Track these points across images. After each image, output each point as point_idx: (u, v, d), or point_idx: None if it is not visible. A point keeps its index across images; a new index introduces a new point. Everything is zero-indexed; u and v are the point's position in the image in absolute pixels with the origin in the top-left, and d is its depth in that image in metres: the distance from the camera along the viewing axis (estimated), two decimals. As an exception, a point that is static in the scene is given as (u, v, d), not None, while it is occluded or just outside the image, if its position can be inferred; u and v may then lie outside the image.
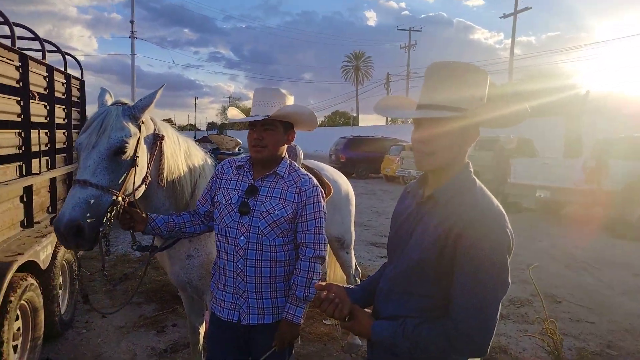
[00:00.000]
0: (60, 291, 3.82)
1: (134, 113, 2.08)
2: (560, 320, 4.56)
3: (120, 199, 1.99)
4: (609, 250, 7.82)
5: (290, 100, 2.11)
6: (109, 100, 2.19)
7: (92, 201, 1.89)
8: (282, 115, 2.01)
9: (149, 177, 2.18)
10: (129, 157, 2.03)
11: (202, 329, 2.94)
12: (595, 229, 9.29)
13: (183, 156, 2.43)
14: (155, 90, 2.15)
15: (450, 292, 1.35)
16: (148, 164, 2.17)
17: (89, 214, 1.88)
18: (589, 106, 13.26)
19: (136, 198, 2.14)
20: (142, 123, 2.12)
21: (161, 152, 2.24)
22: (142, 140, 2.10)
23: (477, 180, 1.45)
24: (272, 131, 2.02)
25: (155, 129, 2.24)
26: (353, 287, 1.73)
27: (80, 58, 5.70)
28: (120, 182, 1.99)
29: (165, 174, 2.28)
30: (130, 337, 3.92)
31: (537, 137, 15.21)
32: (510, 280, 1.32)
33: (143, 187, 2.17)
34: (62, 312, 3.80)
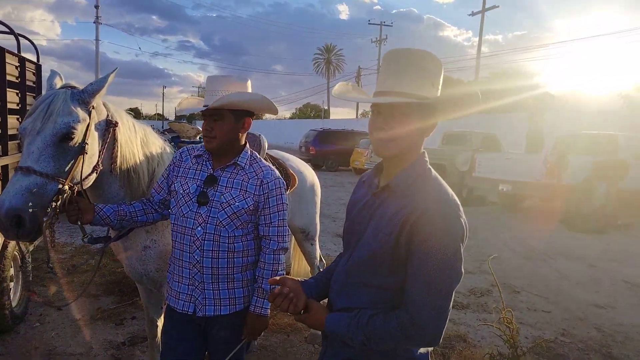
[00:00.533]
0: (11, 283, 3.66)
1: (83, 97, 1.98)
2: (518, 310, 4.71)
3: (66, 187, 1.89)
4: (566, 242, 8.11)
5: (243, 87, 2.02)
6: (59, 83, 2.08)
7: (35, 189, 1.79)
8: (225, 104, 1.91)
9: (100, 166, 2.08)
10: (77, 144, 1.93)
11: (160, 322, 2.87)
12: (554, 222, 9.63)
13: (139, 144, 2.33)
14: (107, 74, 2.05)
15: (404, 283, 1.35)
16: (100, 151, 2.07)
17: (31, 203, 1.78)
18: (552, 104, 13.68)
19: (85, 187, 2.05)
20: (93, 108, 2.01)
21: (114, 139, 2.15)
22: (92, 127, 2.00)
23: (433, 170, 1.45)
24: (220, 121, 1.94)
25: (108, 115, 2.13)
26: (308, 280, 1.71)
27: (43, 43, 5.54)
28: (66, 170, 1.89)
29: (118, 162, 2.18)
30: (87, 330, 3.79)
31: (502, 133, 15.58)
32: (463, 270, 1.33)
33: (94, 176, 2.07)
34: (13, 305, 3.64)
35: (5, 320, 3.47)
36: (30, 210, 1.78)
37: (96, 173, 2.07)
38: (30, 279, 4.09)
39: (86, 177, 2.00)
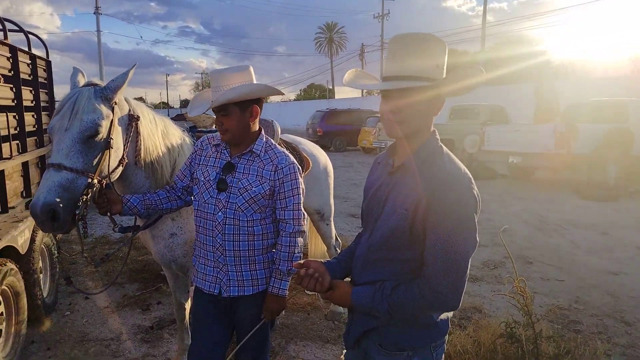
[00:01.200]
0: (41, 275, 3.81)
1: (106, 94, 2.06)
2: (531, 280, 4.79)
3: (95, 181, 1.99)
4: (578, 212, 8.14)
5: (245, 76, 2.04)
6: (82, 80, 2.16)
7: (66, 185, 1.90)
8: (223, 101, 1.95)
9: (125, 159, 2.17)
10: (103, 139, 2.02)
11: (187, 305, 3.00)
12: (565, 192, 9.64)
13: (160, 136, 2.42)
14: (127, 70, 2.12)
15: (423, 255, 1.43)
16: (124, 145, 2.16)
17: (64, 198, 1.88)
18: (558, 72, 13.53)
19: (112, 180, 2.14)
20: (116, 104, 2.10)
21: (137, 132, 2.23)
22: (116, 122, 2.09)
23: (444, 147, 1.52)
24: (228, 116, 2.00)
25: (130, 110, 2.22)
26: (330, 260, 1.81)
27: (43, 37, 5.54)
28: (94, 164, 1.99)
29: (142, 154, 2.27)
30: (115, 317, 3.96)
31: (509, 104, 15.47)
32: (478, 239, 1.42)
33: (120, 169, 2.17)
34: (44, 296, 3.80)
35: (38, 310, 3.63)
36: (63, 204, 1.89)
37: (122, 166, 2.16)
38: (57, 270, 4.25)
39: (113, 170, 2.10)
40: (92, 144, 1.99)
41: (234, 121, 2.01)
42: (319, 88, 75.07)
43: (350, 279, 1.70)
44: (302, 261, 1.68)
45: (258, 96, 2.08)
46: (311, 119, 22.08)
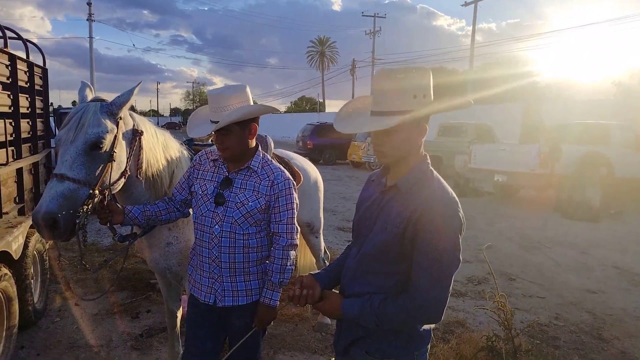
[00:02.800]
0: (32, 281, 3.85)
1: (112, 109, 2.16)
2: (513, 296, 4.93)
3: (96, 192, 2.06)
4: (559, 230, 8.35)
5: (243, 96, 2.13)
6: (89, 95, 2.25)
7: (68, 194, 1.97)
8: (225, 123, 2.03)
9: (128, 171, 2.26)
10: (106, 152, 2.10)
11: (179, 313, 3.07)
12: (548, 211, 9.86)
13: (161, 149, 2.52)
14: (132, 87, 2.22)
15: (410, 271, 1.55)
16: (127, 158, 2.25)
17: (65, 207, 1.95)
18: (544, 93, 13.89)
19: (114, 192, 2.22)
20: (121, 119, 2.19)
21: (140, 147, 2.33)
22: (120, 136, 2.18)
23: (434, 172, 1.65)
24: (228, 135, 2.08)
25: (134, 125, 2.32)
26: (320, 272, 1.91)
27: (34, 40, 5.55)
28: (96, 176, 2.07)
29: (144, 167, 2.37)
30: (105, 324, 3.99)
31: (496, 123, 15.79)
32: (461, 258, 1.54)
33: (122, 181, 2.25)
34: (35, 301, 3.83)
35: (29, 315, 3.66)
36: (64, 213, 1.96)
37: (124, 178, 2.25)
38: (48, 276, 4.28)
39: (115, 182, 2.18)
40: (95, 157, 2.07)
41: (235, 139, 2.10)
42: (310, 101, 75.49)
43: (338, 290, 1.80)
44: (293, 279, 1.79)
45: (258, 115, 2.19)
46: (301, 131, 22.22)
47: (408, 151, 1.61)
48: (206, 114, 2.31)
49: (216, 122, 2.06)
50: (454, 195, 1.58)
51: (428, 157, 1.67)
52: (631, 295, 5.19)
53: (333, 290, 1.79)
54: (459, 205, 1.56)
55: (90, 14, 30.50)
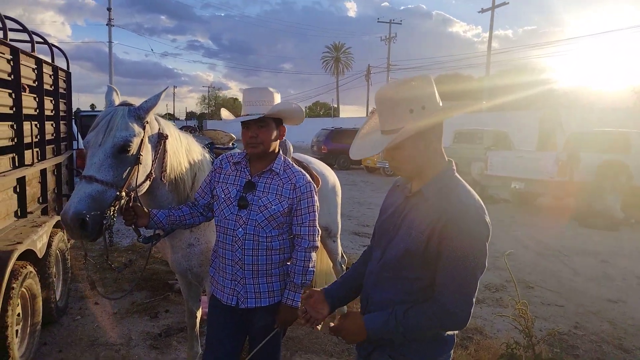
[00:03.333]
0: (55, 279, 3.92)
1: (139, 114, 2.21)
2: (532, 304, 4.86)
3: (123, 194, 2.11)
4: (578, 239, 8.23)
5: (277, 98, 2.25)
6: (116, 99, 2.31)
7: (96, 196, 2.02)
8: (274, 112, 2.16)
9: (153, 174, 2.31)
10: (133, 155, 2.15)
11: (198, 313, 3.10)
12: (566, 219, 9.72)
13: (184, 153, 2.56)
14: (159, 92, 2.27)
15: (436, 277, 1.54)
16: (152, 161, 2.29)
17: (93, 208, 2.00)
18: (561, 101, 13.74)
19: (140, 194, 2.27)
20: (147, 123, 2.24)
21: (164, 150, 2.37)
22: (146, 140, 2.23)
23: (460, 179, 1.64)
24: (266, 129, 2.15)
25: (159, 129, 2.37)
26: (332, 285, 1.94)
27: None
28: (124, 178, 2.11)
29: (168, 170, 2.42)
30: (124, 323, 4.05)
31: (513, 130, 15.66)
32: (486, 264, 1.53)
33: (147, 183, 2.30)
34: (57, 299, 3.91)
35: (51, 313, 3.73)
36: (92, 214, 2.00)
37: (149, 181, 2.29)
38: (70, 275, 4.36)
39: (140, 185, 2.23)
40: (123, 159, 2.12)
41: (270, 134, 2.17)
42: (324, 106, 75.75)
43: (360, 296, 1.80)
44: (304, 293, 1.80)
45: (296, 118, 2.26)
46: (316, 136, 22.32)
47: (424, 161, 1.60)
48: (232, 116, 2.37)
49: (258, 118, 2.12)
50: (480, 201, 1.58)
51: (453, 163, 1.66)
52: (653, 306, 5.09)
53: (354, 312, 1.75)
54: (485, 211, 1.55)
55: (110, 19, 31.02)
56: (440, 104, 1.58)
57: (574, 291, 5.48)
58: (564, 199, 10.46)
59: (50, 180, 4.69)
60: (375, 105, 1.61)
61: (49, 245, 3.71)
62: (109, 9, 31.52)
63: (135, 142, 2.15)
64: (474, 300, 1.52)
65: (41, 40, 5.16)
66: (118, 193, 2.08)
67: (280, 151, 2.32)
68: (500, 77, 33.15)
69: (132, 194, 2.20)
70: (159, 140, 2.34)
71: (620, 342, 4.14)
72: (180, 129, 2.77)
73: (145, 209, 2.27)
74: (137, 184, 2.20)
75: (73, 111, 6.51)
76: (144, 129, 2.22)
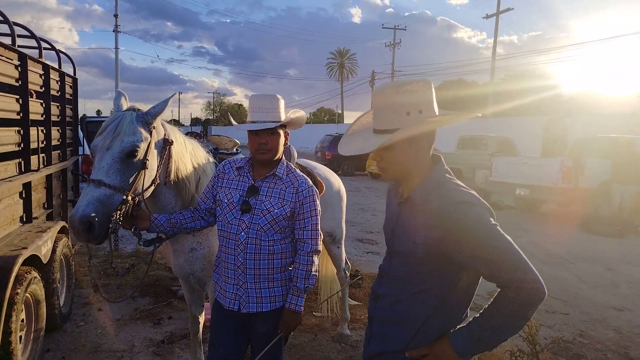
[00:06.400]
0: (59, 285, 3.93)
1: (146, 119, 2.24)
2: (537, 312, 4.80)
3: (129, 198, 2.13)
4: (584, 246, 8.17)
5: (282, 104, 2.26)
6: (124, 104, 2.34)
7: (104, 199, 2.05)
8: (289, 121, 2.23)
9: (158, 179, 2.33)
10: (140, 160, 2.18)
11: (201, 319, 3.10)
12: (571, 226, 9.66)
13: (189, 158, 2.59)
14: (167, 98, 2.30)
15: (486, 277, 1.49)
16: (158, 166, 2.32)
17: (100, 211, 2.03)
18: (565, 107, 13.70)
19: (145, 198, 2.29)
20: (154, 128, 2.27)
21: (170, 155, 2.40)
22: (152, 145, 2.25)
23: (450, 178, 1.60)
24: (275, 135, 2.19)
25: (165, 134, 2.39)
26: None
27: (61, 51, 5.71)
28: (130, 182, 2.14)
29: (172, 175, 2.44)
30: (127, 329, 4.05)
31: (517, 136, 15.61)
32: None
33: (152, 188, 2.32)
34: (61, 305, 3.92)
35: (55, 318, 3.74)
36: (99, 217, 2.03)
37: (154, 185, 2.31)
38: (74, 281, 4.37)
39: (146, 189, 2.25)
40: (130, 164, 2.14)
41: (279, 141, 2.21)
42: (328, 112, 75.87)
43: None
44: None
45: (301, 123, 2.34)
46: (320, 142, 22.32)
47: (412, 165, 1.59)
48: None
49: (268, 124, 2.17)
50: (471, 190, 1.55)
51: (445, 166, 1.63)
52: (660, 314, 5.04)
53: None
54: (478, 197, 1.52)
55: (116, 26, 31.27)
56: (437, 112, 1.57)
57: (579, 299, 5.44)
58: (569, 206, 10.39)
59: (56, 186, 4.71)
60: (372, 102, 1.60)
61: (54, 250, 3.73)
62: (115, 16, 31.78)
63: (143, 147, 2.18)
64: (526, 259, 1.45)
65: (49, 46, 5.21)
66: (125, 197, 2.10)
67: (283, 156, 2.34)
68: (505, 82, 33.14)
69: (138, 199, 2.22)
70: (165, 146, 2.36)
71: (626, 351, 4.10)
72: (186, 134, 2.80)
73: (146, 212, 2.28)
74: (143, 188, 2.22)
75: (79, 117, 6.57)
76: (150, 134, 2.24)
